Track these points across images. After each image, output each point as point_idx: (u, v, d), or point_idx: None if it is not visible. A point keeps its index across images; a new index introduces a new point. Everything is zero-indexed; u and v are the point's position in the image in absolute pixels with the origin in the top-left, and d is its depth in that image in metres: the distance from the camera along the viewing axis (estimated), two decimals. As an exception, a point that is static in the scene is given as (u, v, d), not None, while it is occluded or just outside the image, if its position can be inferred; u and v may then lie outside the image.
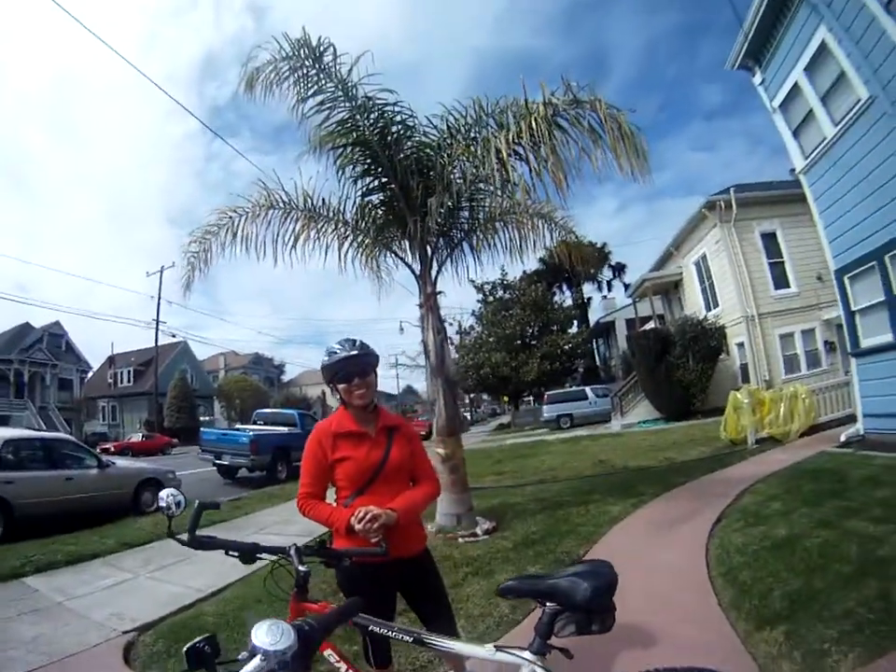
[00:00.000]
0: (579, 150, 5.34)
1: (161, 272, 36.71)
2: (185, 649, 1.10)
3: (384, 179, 6.68)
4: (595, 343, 38.15)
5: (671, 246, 21.26)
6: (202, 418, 41.43)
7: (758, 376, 16.39)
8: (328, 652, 1.78)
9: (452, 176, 6.17)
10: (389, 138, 6.33)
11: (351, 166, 6.64)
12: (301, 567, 1.82)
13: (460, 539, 5.85)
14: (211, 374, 54.29)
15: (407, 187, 6.36)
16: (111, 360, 48.92)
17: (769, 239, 17.24)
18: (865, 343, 8.33)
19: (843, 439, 8.12)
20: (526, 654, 1.62)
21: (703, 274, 19.57)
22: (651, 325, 22.07)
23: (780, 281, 17.14)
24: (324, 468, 2.39)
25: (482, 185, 6.39)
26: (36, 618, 4.54)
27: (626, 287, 37.01)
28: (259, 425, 17.15)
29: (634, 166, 5.18)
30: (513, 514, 6.77)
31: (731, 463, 8.31)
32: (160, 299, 36.70)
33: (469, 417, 52.37)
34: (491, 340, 32.70)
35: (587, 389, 26.08)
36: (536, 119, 5.25)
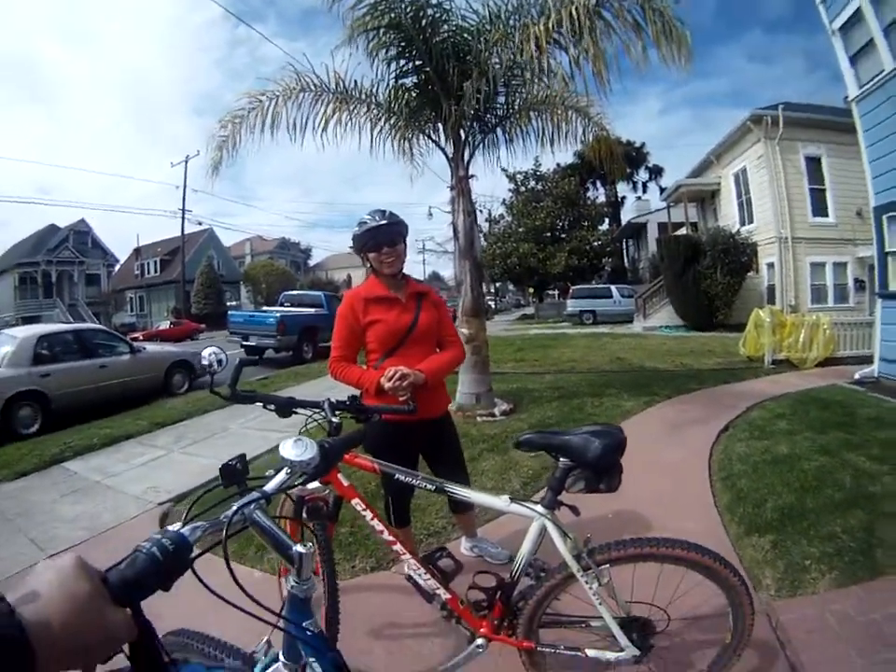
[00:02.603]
0: (622, 44, 5.15)
1: (187, 161, 36.41)
2: (220, 467, 1.22)
3: (418, 62, 6.43)
4: (624, 244, 37.17)
5: (711, 155, 20.38)
6: (228, 304, 41.23)
7: (784, 300, 16.13)
8: (355, 501, 1.92)
9: (489, 62, 5.93)
10: (424, 21, 6.02)
11: (384, 50, 6.37)
12: (333, 419, 1.92)
13: (478, 418, 6.06)
14: (237, 260, 53.65)
15: (442, 71, 6.14)
16: (137, 252, 48.96)
17: (813, 163, 16.55)
18: (894, 286, 8.12)
19: (857, 377, 8.03)
20: (538, 507, 1.78)
21: (741, 188, 18.83)
22: (683, 231, 21.52)
23: (819, 209, 16.58)
24: (356, 332, 2.51)
25: (519, 72, 6.15)
26: (77, 497, 4.75)
27: (662, 190, 35.64)
28: (286, 306, 17.14)
29: (676, 59, 5.02)
30: (530, 399, 7.00)
31: (745, 378, 8.32)
32: (185, 188, 36.59)
33: (493, 306, 52.31)
34: (520, 230, 32.33)
35: (612, 288, 25.71)
36: (577, 8, 5.00)
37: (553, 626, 1.92)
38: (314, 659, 1.11)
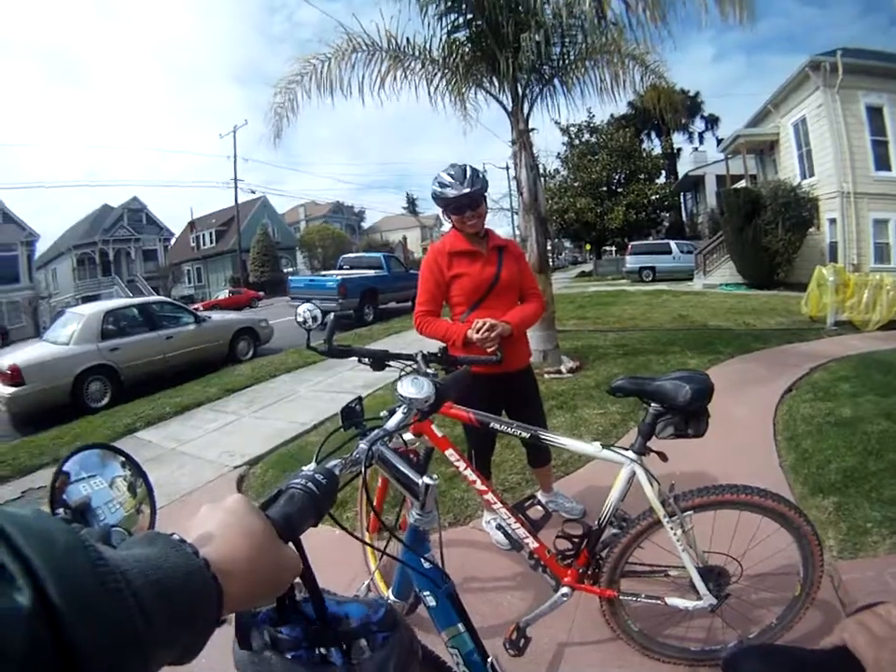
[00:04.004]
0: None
1: (235, 131, 37.06)
2: (341, 409, 1.30)
3: (468, 16, 6.35)
4: (682, 197, 35.76)
5: (769, 103, 19.29)
6: (285, 270, 41.44)
7: (846, 258, 15.27)
8: (449, 452, 2.00)
9: (544, 11, 5.83)
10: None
11: (434, 4, 6.30)
12: (428, 370, 1.95)
13: (546, 375, 6.07)
14: (292, 226, 53.93)
15: (495, 23, 6.02)
16: (192, 225, 49.87)
17: (875, 114, 15.58)
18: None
19: (921, 342, 7.74)
20: (629, 453, 1.85)
21: (801, 139, 17.82)
22: (742, 184, 20.68)
23: (882, 162, 15.61)
24: (440, 286, 2.57)
25: (574, 21, 5.97)
26: (153, 465, 4.79)
27: (719, 141, 34.16)
28: (346, 269, 17.17)
29: (736, 15, 4.89)
30: (596, 356, 7.04)
31: (807, 339, 8.08)
32: (236, 157, 37.22)
33: (550, 263, 51.71)
34: (576, 184, 31.83)
35: (672, 243, 24.82)
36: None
37: (634, 576, 2.00)
38: (428, 592, 1.16)
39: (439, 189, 2.50)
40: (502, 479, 3.62)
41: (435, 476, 1.13)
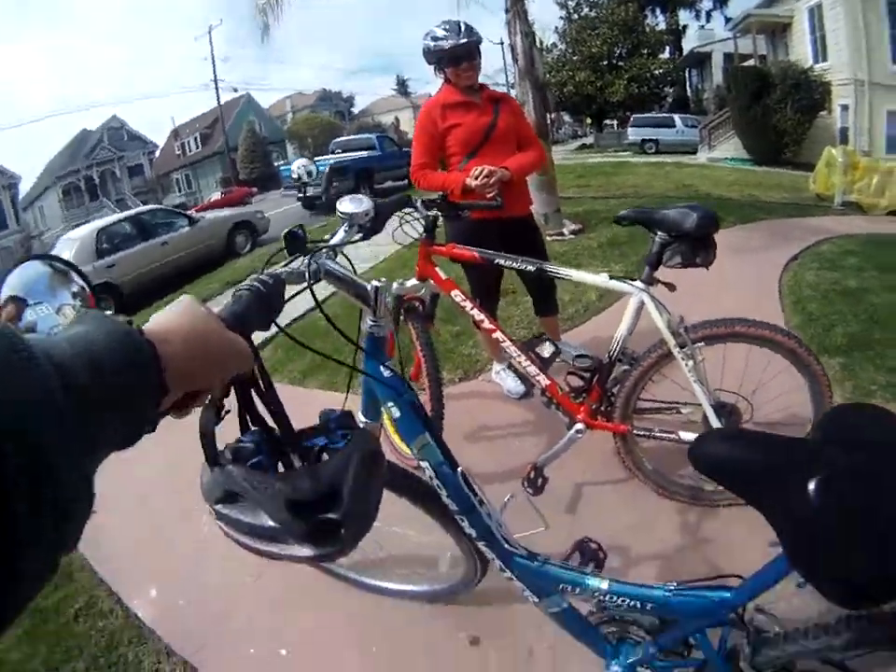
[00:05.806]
0: None
1: (210, 31, 36.37)
2: (283, 233, 1.21)
3: None
4: (687, 73, 34.24)
5: (785, -16, 18.10)
6: (276, 163, 41.25)
7: (857, 144, 14.65)
8: (454, 293, 2.03)
9: None
10: None
11: None
12: (429, 213, 1.98)
13: (547, 237, 5.93)
14: (279, 119, 51.90)
15: None
16: (175, 133, 48.39)
17: (894, 8, 14.70)
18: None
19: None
20: (638, 283, 1.83)
21: (815, 24, 16.98)
22: (751, 62, 19.85)
23: None
24: (435, 138, 2.54)
25: None
26: None
27: (727, 20, 32.48)
28: (338, 153, 16.83)
29: None
30: (598, 220, 6.96)
31: (813, 214, 7.93)
32: (213, 58, 36.61)
33: (550, 136, 50.72)
34: (575, 58, 30.43)
35: (675, 117, 24.30)
36: None
37: (647, 413, 2.04)
38: (392, 403, 1.15)
39: (432, 44, 2.45)
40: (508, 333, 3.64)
41: (383, 279, 1.13)
